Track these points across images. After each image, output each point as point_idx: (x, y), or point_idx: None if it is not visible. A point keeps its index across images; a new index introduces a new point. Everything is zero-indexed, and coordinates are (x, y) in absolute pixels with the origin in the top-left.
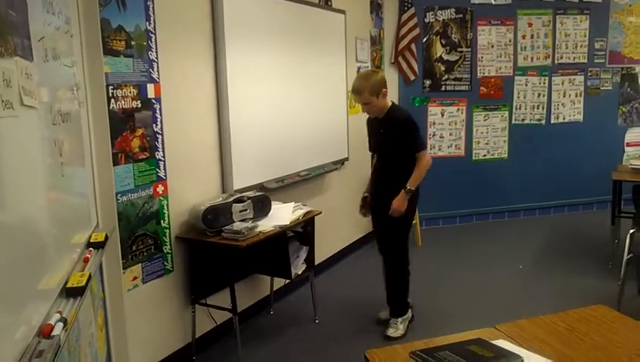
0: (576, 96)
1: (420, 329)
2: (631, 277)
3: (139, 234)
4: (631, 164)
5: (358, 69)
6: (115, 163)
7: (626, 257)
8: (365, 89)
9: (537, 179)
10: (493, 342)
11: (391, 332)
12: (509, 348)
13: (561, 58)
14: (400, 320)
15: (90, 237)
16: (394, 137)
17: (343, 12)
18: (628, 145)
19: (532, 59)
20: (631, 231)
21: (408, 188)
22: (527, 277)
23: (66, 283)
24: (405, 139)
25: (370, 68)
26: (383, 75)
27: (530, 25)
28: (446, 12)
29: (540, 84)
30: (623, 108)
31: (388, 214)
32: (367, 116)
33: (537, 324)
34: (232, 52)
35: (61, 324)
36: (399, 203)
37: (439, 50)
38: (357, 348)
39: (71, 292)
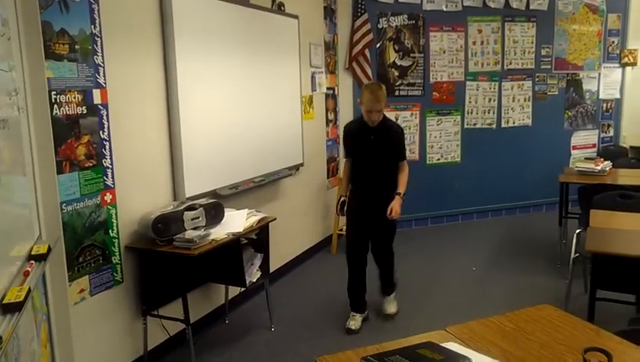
0: (524, 100)
1: (372, 333)
2: (578, 275)
3: (86, 244)
4: (577, 167)
5: (312, 74)
6: (60, 171)
7: (572, 256)
8: (384, 98)
9: (489, 182)
10: (444, 344)
11: (392, 309)
12: (459, 351)
13: (510, 64)
14: (393, 295)
15: (32, 249)
16: (389, 145)
17: (296, 17)
18: (574, 148)
19: (482, 64)
20: (577, 231)
21: (403, 193)
22: (480, 278)
23: (2, 298)
24: (398, 148)
25: (324, 73)
26: None
27: (480, 31)
28: (399, 18)
29: (490, 89)
30: (569, 113)
31: (384, 212)
32: (347, 123)
33: (486, 325)
34: (182, 57)
35: None
36: (399, 207)
37: (392, 56)
38: (312, 355)
39: (8, 308)
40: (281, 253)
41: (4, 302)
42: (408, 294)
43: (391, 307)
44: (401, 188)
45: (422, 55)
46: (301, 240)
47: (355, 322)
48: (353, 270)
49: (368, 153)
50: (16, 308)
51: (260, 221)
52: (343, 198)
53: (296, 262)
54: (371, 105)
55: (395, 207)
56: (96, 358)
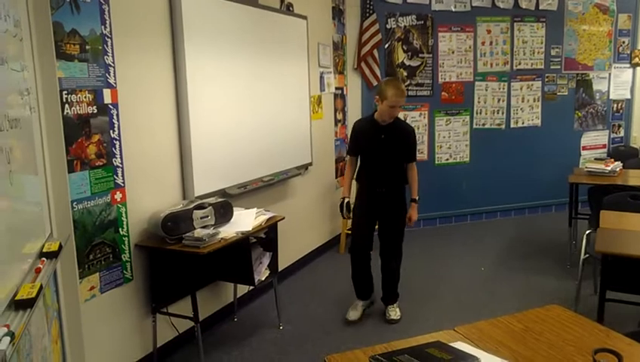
0: (534, 101)
1: (381, 332)
2: (587, 276)
3: (96, 242)
4: (586, 167)
5: (321, 74)
6: (70, 170)
7: (582, 257)
8: (405, 93)
9: (498, 182)
10: (452, 344)
11: (395, 315)
12: (467, 350)
13: (520, 64)
14: (397, 304)
15: (43, 246)
16: (400, 144)
17: (304, 17)
18: (584, 148)
19: (491, 65)
20: (587, 232)
21: (417, 199)
22: (488, 278)
23: (15, 295)
24: (410, 148)
25: (333, 73)
26: None
27: (489, 32)
28: (407, 18)
29: (499, 89)
30: (579, 113)
31: (394, 211)
32: (357, 120)
33: (495, 325)
34: (191, 57)
35: (8, 338)
36: (416, 214)
37: (401, 56)
38: (320, 353)
39: (20, 305)
40: (289, 252)
41: (16, 298)
42: (417, 294)
43: (394, 313)
44: (415, 193)
45: (430, 55)
46: (309, 240)
47: (354, 312)
48: (357, 264)
49: (379, 152)
50: (28, 304)
51: (268, 220)
52: (347, 200)
53: (305, 261)
54: (396, 100)
55: (413, 215)
56: (106, 355)
